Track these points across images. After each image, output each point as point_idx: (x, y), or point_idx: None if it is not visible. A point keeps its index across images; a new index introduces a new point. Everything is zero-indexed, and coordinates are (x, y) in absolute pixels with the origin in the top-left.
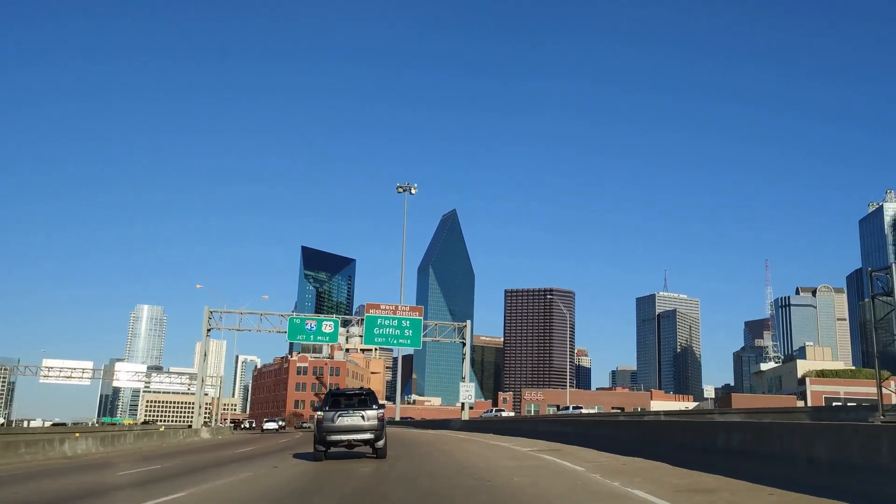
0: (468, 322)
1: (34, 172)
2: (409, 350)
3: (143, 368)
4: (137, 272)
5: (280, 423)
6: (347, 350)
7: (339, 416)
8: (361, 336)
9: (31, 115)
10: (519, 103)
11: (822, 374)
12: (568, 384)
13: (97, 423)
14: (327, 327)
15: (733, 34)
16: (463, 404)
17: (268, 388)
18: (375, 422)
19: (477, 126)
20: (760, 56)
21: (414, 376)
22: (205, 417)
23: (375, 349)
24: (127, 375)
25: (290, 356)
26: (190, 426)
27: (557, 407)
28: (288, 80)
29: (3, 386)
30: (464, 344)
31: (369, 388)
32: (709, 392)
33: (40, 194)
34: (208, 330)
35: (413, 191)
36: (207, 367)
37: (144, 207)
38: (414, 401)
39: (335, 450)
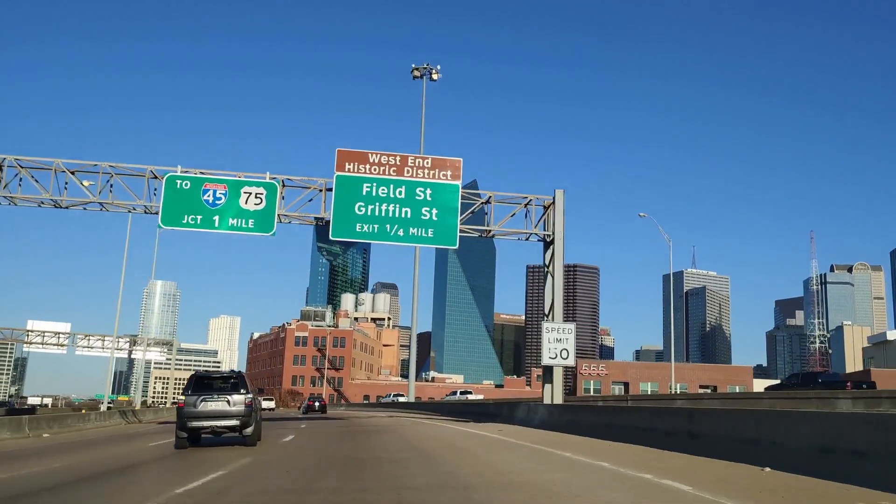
0: (557, 193)
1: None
2: (428, 322)
3: (67, 328)
4: (151, 246)
5: None
6: (356, 318)
7: (202, 401)
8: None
9: (51, 87)
10: (543, 75)
11: None
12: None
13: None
14: (251, 200)
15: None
16: (549, 369)
17: (263, 361)
18: (242, 407)
19: (497, 94)
20: (793, 28)
21: (432, 354)
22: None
23: (388, 318)
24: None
25: (287, 324)
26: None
27: (627, 386)
28: (311, 55)
29: (9, 361)
30: (549, 242)
31: (239, 371)
32: None
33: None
34: None
35: (434, 76)
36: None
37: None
38: (433, 378)
39: (204, 436)
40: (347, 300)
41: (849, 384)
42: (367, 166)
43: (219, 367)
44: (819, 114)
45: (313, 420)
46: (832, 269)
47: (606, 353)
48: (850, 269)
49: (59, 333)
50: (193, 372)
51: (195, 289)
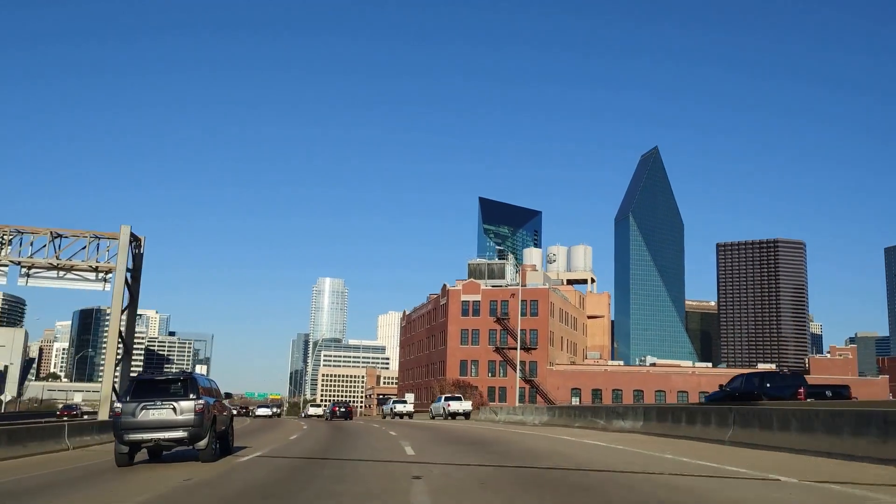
0: None
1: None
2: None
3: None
4: (320, 243)
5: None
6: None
7: (142, 409)
8: None
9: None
10: (736, 21)
11: None
12: None
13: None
14: None
15: None
16: None
17: (419, 344)
18: (192, 416)
19: (682, 48)
20: None
21: (615, 344)
22: None
23: (593, 278)
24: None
25: (450, 286)
26: None
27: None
28: (467, 22)
29: (188, 363)
30: None
31: (189, 373)
32: None
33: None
34: None
35: None
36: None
37: (326, 178)
38: (653, 364)
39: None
40: (532, 255)
41: (801, 392)
42: None
43: (387, 364)
44: None
45: None
46: None
47: (815, 342)
48: None
49: None
50: (187, 370)
51: (363, 285)
